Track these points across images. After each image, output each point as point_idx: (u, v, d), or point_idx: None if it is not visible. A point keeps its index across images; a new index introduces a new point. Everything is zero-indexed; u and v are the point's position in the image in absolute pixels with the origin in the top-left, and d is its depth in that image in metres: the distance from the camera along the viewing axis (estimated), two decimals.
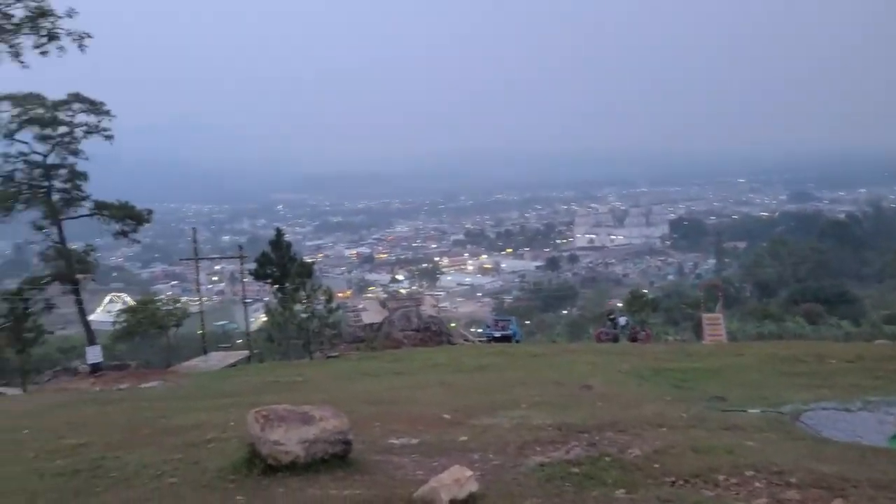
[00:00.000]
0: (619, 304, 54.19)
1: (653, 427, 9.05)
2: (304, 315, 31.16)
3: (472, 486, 5.85)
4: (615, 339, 32.01)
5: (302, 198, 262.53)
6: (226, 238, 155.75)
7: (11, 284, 40.28)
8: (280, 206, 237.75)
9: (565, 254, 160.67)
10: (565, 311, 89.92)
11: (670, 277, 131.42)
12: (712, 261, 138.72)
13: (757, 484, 6.09)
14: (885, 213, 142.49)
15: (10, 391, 24.51)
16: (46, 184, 34.51)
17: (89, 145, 35.33)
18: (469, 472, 5.97)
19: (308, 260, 52.32)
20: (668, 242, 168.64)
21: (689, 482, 6.23)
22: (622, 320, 34.45)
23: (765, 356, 18.14)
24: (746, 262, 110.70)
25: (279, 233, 44.01)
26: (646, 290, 67.48)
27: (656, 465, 6.79)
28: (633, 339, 32.09)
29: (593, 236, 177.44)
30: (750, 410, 10.62)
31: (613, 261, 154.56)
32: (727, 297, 55.38)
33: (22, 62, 7.02)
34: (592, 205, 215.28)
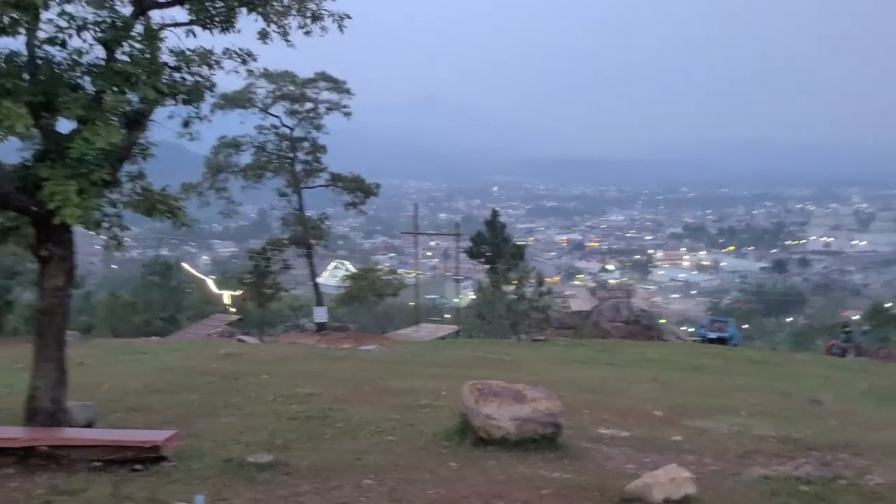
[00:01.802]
0: (856, 317, 48.89)
1: None
2: (513, 296, 31.47)
3: (689, 488, 5.59)
4: (843, 354, 28.99)
5: (517, 180, 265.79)
6: (442, 216, 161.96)
7: (256, 244, 44.91)
8: (495, 188, 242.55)
9: (795, 256, 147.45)
10: (790, 319, 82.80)
11: None
12: None
13: None
14: None
15: (249, 339, 27.46)
16: (292, 155, 37.90)
17: (329, 120, 38.28)
18: (686, 473, 5.71)
19: (520, 242, 52.91)
20: None
21: None
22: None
23: None
24: None
25: (494, 214, 44.85)
26: (890, 304, 60.01)
27: None
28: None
29: (830, 240, 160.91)
30: None
31: (853, 268, 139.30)
32: None
33: (288, 41, 7.78)
34: (832, 205, 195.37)
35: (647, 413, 10.26)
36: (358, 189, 37.99)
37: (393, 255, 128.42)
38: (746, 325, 64.31)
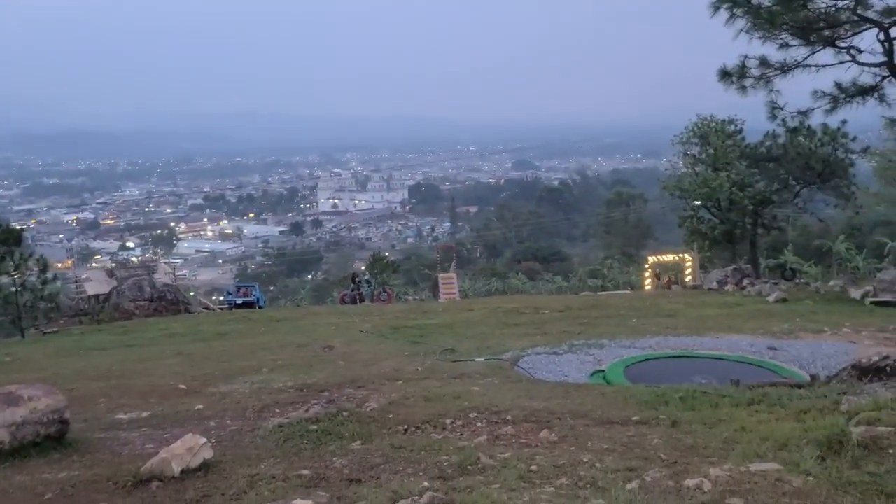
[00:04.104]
0: (363, 268, 55.26)
1: (390, 381, 9.46)
2: (12, 288, 27.55)
3: (207, 453, 5.68)
4: (354, 301, 32.58)
5: (7, 156, 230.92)
6: None
7: None
8: None
9: (309, 218, 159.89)
10: (310, 276, 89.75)
11: (410, 240, 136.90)
12: (447, 224, 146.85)
13: (479, 424, 6.67)
14: (589, 180, 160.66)
15: None
16: None
17: None
18: (203, 440, 5.78)
19: (17, 226, 46.15)
20: (407, 207, 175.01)
21: (420, 428, 6.64)
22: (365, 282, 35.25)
23: (490, 310, 19.76)
24: (477, 225, 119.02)
25: None
26: (387, 253, 69.54)
27: (391, 416, 7.13)
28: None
29: (337, 201, 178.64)
30: (476, 359, 11.54)
31: (357, 225, 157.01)
32: (460, 257, 59.20)
33: None
34: (336, 170, 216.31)
35: (171, 388, 10.08)
36: None
37: None
38: (273, 287, 67.69)
